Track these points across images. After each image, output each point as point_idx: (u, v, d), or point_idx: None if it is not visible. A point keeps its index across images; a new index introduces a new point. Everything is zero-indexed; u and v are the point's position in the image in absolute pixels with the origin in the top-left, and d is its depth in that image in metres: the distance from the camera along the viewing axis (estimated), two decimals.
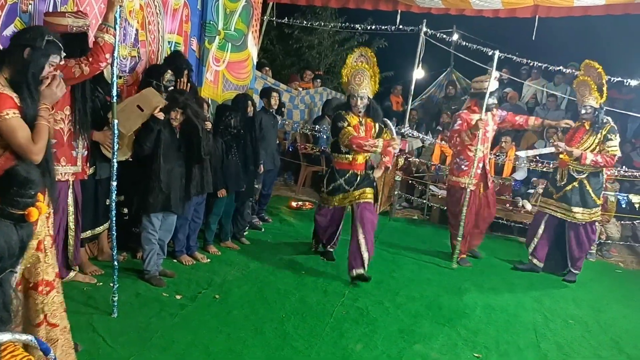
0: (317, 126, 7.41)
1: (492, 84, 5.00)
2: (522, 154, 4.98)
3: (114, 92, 3.13)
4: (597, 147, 4.86)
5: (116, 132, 3.17)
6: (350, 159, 4.59)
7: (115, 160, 3.20)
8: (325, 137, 7.31)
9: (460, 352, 3.52)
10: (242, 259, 4.73)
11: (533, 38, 6.54)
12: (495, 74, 5.12)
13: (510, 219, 6.49)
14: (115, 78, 3.12)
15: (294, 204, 6.70)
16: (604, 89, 4.81)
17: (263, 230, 5.67)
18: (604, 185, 5.23)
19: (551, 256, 5.29)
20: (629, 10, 6.09)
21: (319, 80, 9.14)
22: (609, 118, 4.95)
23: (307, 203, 6.82)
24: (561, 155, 5.03)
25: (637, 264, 6.24)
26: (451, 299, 4.38)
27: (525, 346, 3.68)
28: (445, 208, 6.81)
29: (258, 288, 4.15)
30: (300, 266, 4.73)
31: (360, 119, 4.54)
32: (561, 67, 6.33)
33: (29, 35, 2.47)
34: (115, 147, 3.19)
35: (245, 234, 5.30)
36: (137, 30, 4.49)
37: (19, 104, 2.34)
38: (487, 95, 4.91)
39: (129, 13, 4.35)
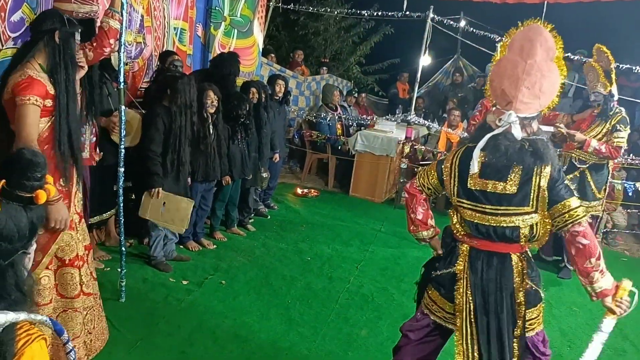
0: (322, 113, 7.40)
1: None
2: (546, 128, 4.84)
3: (121, 79, 3.14)
4: (604, 137, 4.61)
5: (123, 118, 3.18)
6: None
7: (122, 146, 3.21)
8: (328, 126, 7.29)
9: None
10: (248, 246, 4.76)
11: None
12: None
13: None
14: (122, 64, 3.13)
15: (299, 191, 6.71)
16: (612, 75, 4.59)
17: (269, 217, 5.69)
18: (610, 177, 5.07)
19: (557, 245, 5.27)
20: None
21: (324, 67, 9.07)
22: (622, 108, 4.68)
23: (312, 190, 6.83)
24: (569, 139, 4.89)
25: None
26: None
27: None
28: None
29: (264, 274, 4.18)
30: (305, 253, 4.76)
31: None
32: (569, 54, 6.27)
33: (50, 20, 2.51)
34: (123, 134, 3.20)
35: (251, 220, 5.33)
36: (142, 16, 4.47)
37: (52, 92, 2.42)
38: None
39: None
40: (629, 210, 6.39)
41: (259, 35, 6.45)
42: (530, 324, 2.18)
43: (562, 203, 2.08)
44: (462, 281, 2.21)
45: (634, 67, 5.78)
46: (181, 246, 4.44)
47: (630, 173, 6.67)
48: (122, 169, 3.24)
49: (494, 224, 2.13)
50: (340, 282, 4.21)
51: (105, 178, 3.89)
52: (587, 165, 4.73)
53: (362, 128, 7.37)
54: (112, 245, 4.17)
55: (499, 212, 2.12)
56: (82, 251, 2.68)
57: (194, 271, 4.05)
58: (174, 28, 4.94)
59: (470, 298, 2.18)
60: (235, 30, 5.86)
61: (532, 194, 2.09)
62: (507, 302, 2.15)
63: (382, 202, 6.80)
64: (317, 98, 8.33)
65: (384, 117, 7.48)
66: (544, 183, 2.08)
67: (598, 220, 5.55)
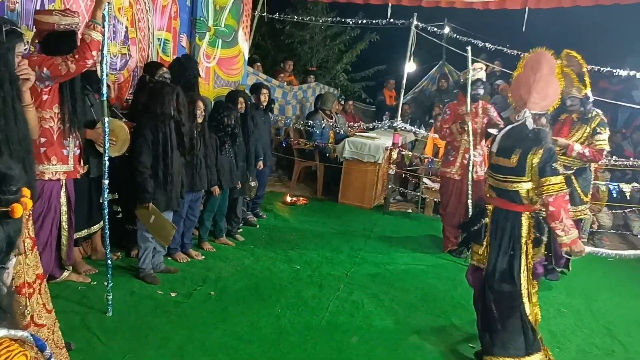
0: (310, 121, 7.41)
1: (474, 74, 5.09)
2: (494, 131, 4.90)
3: (104, 90, 3.12)
4: (586, 140, 4.64)
5: (107, 130, 3.16)
6: None
7: (106, 158, 3.19)
8: (318, 132, 7.31)
9: (456, 342, 3.55)
10: (236, 255, 4.73)
11: (523, 30, 6.55)
12: (479, 65, 5.20)
13: None
14: (105, 76, 3.11)
15: (288, 199, 6.70)
16: (586, 78, 4.61)
17: (257, 226, 5.67)
18: (594, 176, 5.13)
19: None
20: (618, 0, 6.11)
21: (312, 75, 9.09)
22: (599, 111, 4.72)
23: (301, 198, 6.82)
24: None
25: None
26: (445, 291, 4.41)
27: None
28: (439, 200, 6.83)
29: (253, 284, 4.16)
30: (295, 261, 4.74)
31: None
32: None
33: None
34: (107, 145, 3.18)
35: (239, 230, 5.30)
36: (127, 27, 4.46)
37: None
38: (469, 84, 5.03)
39: (119, 10, 4.32)
40: (614, 211, 6.46)
41: (244, 44, 6.46)
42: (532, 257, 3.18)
43: (545, 178, 2.97)
44: (488, 229, 3.23)
45: (614, 70, 5.83)
46: (169, 258, 4.40)
47: (614, 174, 6.75)
48: (106, 181, 3.21)
49: (503, 187, 3.15)
50: (330, 289, 4.20)
51: (91, 190, 3.87)
52: (572, 170, 4.72)
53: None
54: (98, 259, 4.12)
55: (507, 180, 3.12)
56: (32, 278, 2.42)
57: (183, 282, 4.02)
58: (158, 39, 4.94)
59: (489, 238, 3.21)
60: (220, 40, 5.86)
61: (526, 168, 3.02)
62: (515, 244, 3.13)
63: (371, 208, 6.81)
64: (304, 106, 8.34)
65: (365, 126, 7.52)
66: (536, 161, 2.99)
67: (582, 222, 5.59)
